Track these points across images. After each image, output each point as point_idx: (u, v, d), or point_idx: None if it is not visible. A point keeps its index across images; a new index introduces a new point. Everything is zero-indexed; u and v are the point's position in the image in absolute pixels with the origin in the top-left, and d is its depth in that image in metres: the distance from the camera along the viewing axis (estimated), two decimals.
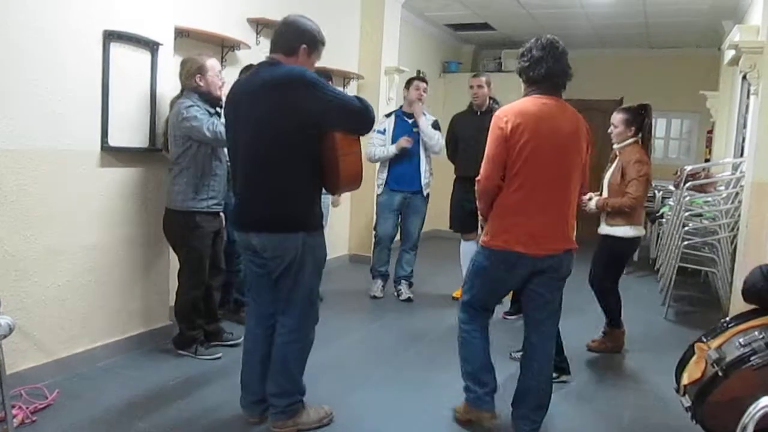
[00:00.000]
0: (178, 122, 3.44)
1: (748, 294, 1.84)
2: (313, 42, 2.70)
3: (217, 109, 3.58)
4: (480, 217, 2.96)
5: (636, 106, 4.08)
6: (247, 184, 2.67)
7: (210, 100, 3.55)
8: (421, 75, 5.59)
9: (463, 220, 5.13)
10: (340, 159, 2.61)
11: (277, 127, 2.55)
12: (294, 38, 2.66)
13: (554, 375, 3.53)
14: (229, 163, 3.99)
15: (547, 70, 2.68)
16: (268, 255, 2.67)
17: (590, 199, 4.02)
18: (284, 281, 2.70)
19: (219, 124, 3.41)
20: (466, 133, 5.14)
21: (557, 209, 2.72)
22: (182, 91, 3.60)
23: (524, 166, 2.65)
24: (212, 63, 3.59)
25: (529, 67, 2.71)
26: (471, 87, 5.15)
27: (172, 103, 3.62)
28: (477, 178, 2.79)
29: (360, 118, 2.62)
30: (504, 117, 2.68)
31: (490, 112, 5.05)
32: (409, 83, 5.25)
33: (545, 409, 2.88)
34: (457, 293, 5.41)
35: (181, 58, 3.76)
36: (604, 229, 4.03)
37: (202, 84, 3.53)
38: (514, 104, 2.73)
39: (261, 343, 2.82)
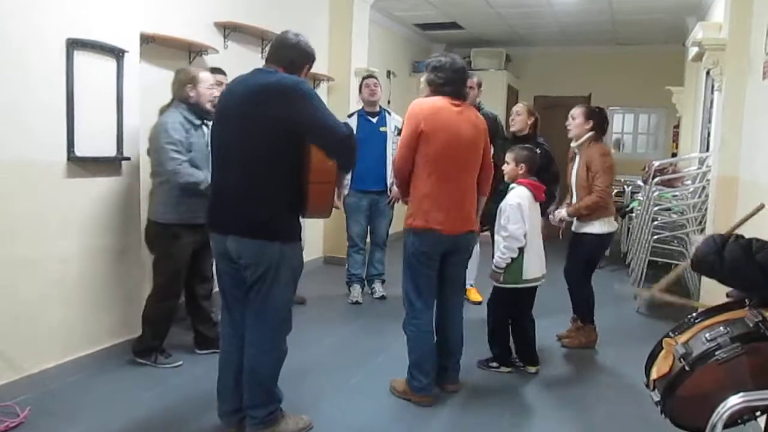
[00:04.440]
0: (154, 136, 3.43)
1: (698, 264, 1.82)
2: (312, 61, 2.82)
3: (204, 121, 3.54)
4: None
5: (595, 107, 4.21)
6: (230, 185, 2.64)
7: (199, 111, 3.52)
8: (370, 73, 5.78)
9: None
10: (310, 186, 2.62)
11: (267, 133, 2.56)
12: (300, 59, 2.76)
13: (495, 365, 3.74)
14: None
15: (455, 86, 3.20)
16: (243, 262, 2.65)
17: (557, 209, 4.14)
18: (257, 290, 2.67)
19: (185, 172, 3.37)
20: None
21: (462, 195, 3.20)
22: (172, 100, 3.57)
23: (436, 156, 3.10)
24: (206, 75, 3.57)
25: (443, 84, 3.19)
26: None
27: (161, 112, 3.60)
28: (394, 158, 3.27)
29: (342, 141, 2.61)
30: (416, 108, 3.15)
31: (478, 110, 5.11)
32: (360, 85, 5.37)
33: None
34: None
35: (147, 65, 3.72)
36: (580, 227, 4.09)
37: (192, 95, 3.50)
38: (429, 100, 3.18)
39: (236, 352, 2.79)
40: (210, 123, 3.49)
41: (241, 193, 2.61)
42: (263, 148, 2.57)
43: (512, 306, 3.66)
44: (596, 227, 4.02)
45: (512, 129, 4.59)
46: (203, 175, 3.39)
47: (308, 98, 2.59)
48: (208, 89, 3.55)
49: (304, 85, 2.64)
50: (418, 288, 3.23)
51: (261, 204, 2.60)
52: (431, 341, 3.28)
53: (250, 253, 2.62)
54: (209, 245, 3.69)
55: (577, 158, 4.12)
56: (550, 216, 4.07)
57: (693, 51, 5.22)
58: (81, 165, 3.41)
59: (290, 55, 2.73)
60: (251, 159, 2.59)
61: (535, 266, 3.55)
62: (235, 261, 2.68)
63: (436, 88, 3.21)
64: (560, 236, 4.37)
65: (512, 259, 3.47)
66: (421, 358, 3.24)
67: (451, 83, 3.19)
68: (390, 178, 5.23)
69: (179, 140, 3.41)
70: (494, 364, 3.73)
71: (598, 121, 4.11)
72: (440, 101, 3.17)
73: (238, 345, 2.78)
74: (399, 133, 5.26)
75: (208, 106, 3.52)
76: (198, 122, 3.53)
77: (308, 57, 2.79)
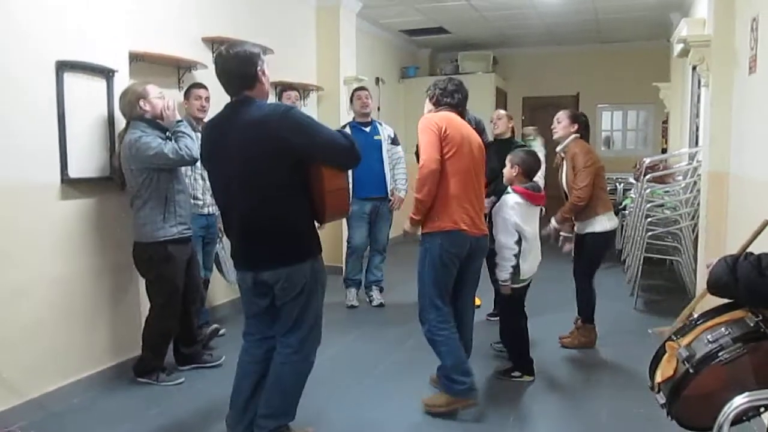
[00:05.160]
0: (133, 155, 3.38)
1: (714, 287, 1.87)
2: (261, 58, 2.68)
3: (168, 133, 3.53)
4: (413, 216, 3.27)
5: (580, 112, 4.33)
6: (249, 223, 2.64)
7: (157, 126, 3.51)
8: (361, 85, 5.92)
9: None
10: (327, 195, 2.64)
11: (271, 164, 2.55)
12: (249, 66, 2.62)
13: (517, 374, 3.67)
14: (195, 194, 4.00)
15: (458, 99, 3.37)
16: (279, 287, 2.66)
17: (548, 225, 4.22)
18: (291, 308, 2.69)
19: (183, 144, 3.42)
20: None
21: (479, 198, 3.31)
22: (128, 123, 3.53)
23: (455, 162, 3.17)
24: (152, 87, 3.55)
25: (443, 95, 3.35)
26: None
27: (120, 137, 3.55)
28: (420, 166, 3.17)
29: (346, 153, 2.65)
30: (434, 118, 3.24)
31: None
32: (352, 96, 5.42)
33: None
34: None
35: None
36: (582, 228, 4.14)
37: (147, 108, 3.48)
38: (438, 114, 3.29)
39: (258, 364, 2.81)
40: (170, 133, 3.52)
41: (263, 229, 2.62)
42: (276, 181, 2.57)
43: (514, 303, 3.66)
44: (597, 226, 4.06)
45: (495, 132, 4.84)
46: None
47: (303, 123, 2.58)
48: (159, 98, 3.53)
49: (294, 111, 2.63)
50: (442, 291, 3.22)
51: (288, 232, 2.63)
52: (458, 347, 3.23)
53: (285, 277, 2.64)
54: (195, 257, 3.78)
55: (564, 162, 4.17)
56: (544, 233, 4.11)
57: (678, 47, 5.25)
58: (74, 186, 3.41)
59: (236, 71, 2.62)
60: (267, 193, 2.58)
61: (530, 268, 3.57)
62: (270, 286, 2.68)
63: (438, 100, 3.35)
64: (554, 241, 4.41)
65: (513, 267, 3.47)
66: (458, 359, 3.20)
67: (450, 95, 3.33)
68: (390, 184, 5.27)
69: (160, 142, 3.42)
70: (516, 374, 3.67)
71: (583, 124, 4.17)
72: (444, 112, 3.29)
73: (261, 357, 2.80)
74: (392, 142, 5.35)
75: (166, 112, 3.52)
76: (163, 136, 3.50)
77: (251, 61, 2.61)
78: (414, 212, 3.23)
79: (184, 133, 3.50)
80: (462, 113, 3.41)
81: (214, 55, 2.72)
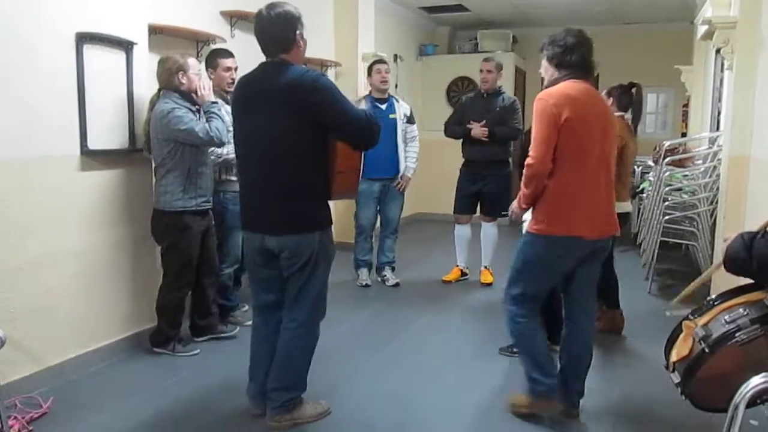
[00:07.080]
0: (163, 126, 3.42)
1: (731, 264, 1.84)
2: (301, 23, 2.70)
3: (198, 107, 3.57)
4: (517, 206, 2.88)
5: (626, 84, 4.15)
6: (265, 184, 2.67)
7: (191, 99, 3.54)
8: (380, 58, 5.75)
9: (465, 204, 5.22)
10: (337, 174, 2.67)
11: (296, 131, 2.58)
12: (289, 30, 2.66)
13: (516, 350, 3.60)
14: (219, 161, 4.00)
15: (581, 55, 2.73)
16: (285, 255, 2.69)
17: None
18: (297, 279, 2.72)
19: (214, 125, 3.45)
20: (474, 116, 5.15)
21: (606, 191, 2.74)
22: (160, 90, 3.56)
23: (576, 150, 2.65)
24: (193, 61, 3.59)
25: (564, 53, 2.73)
26: (480, 71, 5.22)
27: (152, 103, 3.58)
28: (527, 162, 2.68)
29: (365, 134, 2.65)
30: (551, 100, 2.64)
31: (497, 94, 5.15)
32: (370, 69, 5.28)
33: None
34: (447, 277, 5.46)
35: (156, 56, 3.72)
36: None
37: (184, 81, 3.51)
38: (557, 88, 2.70)
39: (268, 339, 2.85)
40: (203, 107, 3.56)
41: (277, 191, 2.64)
42: (294, 146, 2.60)
43: None
44: None
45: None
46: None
47: (330, 93, 2.59)
48: (196, 75, 3.56)
49: (324, 80, 2.64)
50: (537, 295, 2.86)
51: (299, 200, 2.65)
52: (541, 345, 2.91)
53: (292, 246, 2.67)
54: (212, 230, 3.78)
55: None
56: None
57: (702, 29, 5.16)
58: (94, 158, 3.44)
59: (275, 33, 2.64)
60: (283, 157, 2.61)
61: None
62: (274, 254, 2.71)
63: (560, 61, 2.76)
64: None
65: None
66: (535, 357, 2.87)
67: (571, 51, 2.72)
68: (402, 165, 5.22)
69: (192, 118, 3.46)
70: (517, 350, 3.67)
71: (619, 98, 4.08)
72: (567, 86, 2.70)
73: (272, 330, 2.85)
74: (407, 121, 5.30)
75: (200, 91, 3.55)
76: (194, 109, 3.55)
77: (292, 24, 2.65)
78: (520, 202, 2.83)
79: (216, 114, 3.53)
80: (588, 75, 2.78)
81: (255, 14, 2.73)
